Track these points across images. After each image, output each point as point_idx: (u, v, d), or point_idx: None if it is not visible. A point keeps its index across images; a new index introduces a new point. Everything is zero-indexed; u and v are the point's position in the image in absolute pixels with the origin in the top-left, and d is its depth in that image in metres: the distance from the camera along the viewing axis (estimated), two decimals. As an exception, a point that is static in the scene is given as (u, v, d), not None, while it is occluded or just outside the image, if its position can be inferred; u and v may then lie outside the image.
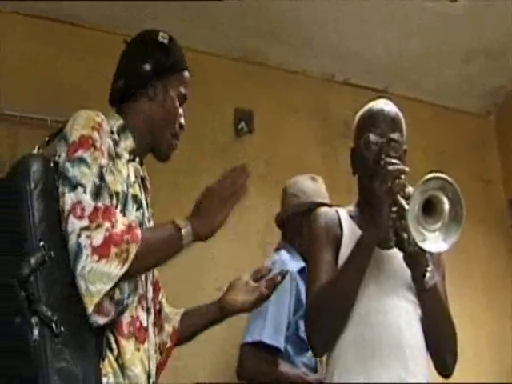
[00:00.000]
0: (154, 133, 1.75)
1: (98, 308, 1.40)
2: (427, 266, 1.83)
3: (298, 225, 2.74)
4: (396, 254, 1.90)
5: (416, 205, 1.70)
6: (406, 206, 1.71)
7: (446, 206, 1.74)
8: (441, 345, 1.92)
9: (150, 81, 1.74)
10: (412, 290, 1.89)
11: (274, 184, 3.42)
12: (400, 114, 2.02)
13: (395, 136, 1.95)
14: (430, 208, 1.73)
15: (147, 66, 1.74)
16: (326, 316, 1.83)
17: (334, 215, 2.03)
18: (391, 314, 1.84)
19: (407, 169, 1.82)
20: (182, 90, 1.80)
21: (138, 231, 1.48)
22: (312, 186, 2.83)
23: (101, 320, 1.42)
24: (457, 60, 3.88)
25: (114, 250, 1.41)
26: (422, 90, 4.04)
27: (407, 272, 1.86)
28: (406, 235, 1.79)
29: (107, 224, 1.43)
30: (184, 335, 1.92)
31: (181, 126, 1.79)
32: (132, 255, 1.44)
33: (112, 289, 1.43)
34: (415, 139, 3.83)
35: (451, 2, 3.46)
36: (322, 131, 3.70)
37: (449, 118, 4.18)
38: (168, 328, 1.88)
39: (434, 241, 1.72)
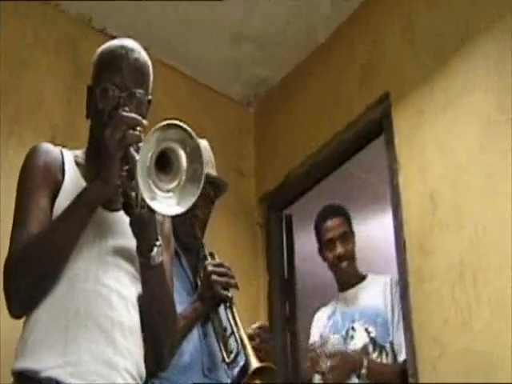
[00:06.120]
0: None
1: None
2: (156, 239, 1.68)
3: None
4: (124, 219, 1.71)
5: (149, 153, 1.51)
6: (137, 156, 1.53)
7: (184, 162, 1.57)
8: (157, 332, 1.79)
9: None
10: (136, 263, 1.75)
11: (8, 119, 3.16)
12: (149, 64, 1.86)
13: (138, 92, 1.79)
14: (164, 164, 1.56)
15: None
16: (32, 271, 1.62)
17: (57, 155, 1.81)
18: (103, 283, 1.68)
19: (145, 122, 1.66)
20: None
21: None
22: None
23: None
24: (225, 40, 3.87)
25: None
26: (184, 61, 3.96)
27: (133, 242, 1.69)
28: (134, 194, 1.61)
29: None
30: None
31: None
32: None
33: None
34: (171, 112, 3.83)
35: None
36: (69, 76, 3.44)
37: (209, 99, 4.15)
38: None
39: (165, 202, 1.55)
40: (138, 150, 1.57)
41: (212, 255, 2.47)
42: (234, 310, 2.31)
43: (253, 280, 3.96)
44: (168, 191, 1.56)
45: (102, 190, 1.65)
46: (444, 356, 2.57)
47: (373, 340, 2.84)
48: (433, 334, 2.65)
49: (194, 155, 1.58)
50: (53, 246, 1.63)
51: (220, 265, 2.35)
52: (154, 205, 1.52)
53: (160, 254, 1.69)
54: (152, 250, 1.67)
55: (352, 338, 2.89)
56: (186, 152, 1.57)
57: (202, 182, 1.59)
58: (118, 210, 1.75)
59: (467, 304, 2.53)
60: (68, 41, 3.53)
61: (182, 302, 2.19)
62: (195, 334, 2.26)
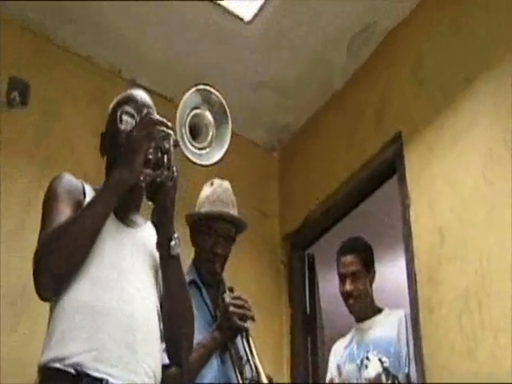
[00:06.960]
0: None
1: None
2: (174, 232, 1.90)
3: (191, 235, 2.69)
4: (140, 234, 1.98)
5: (183, 118, 1.76)
6: (172, 132, 1.78)
7: (212, 122, 1.82)
8: (178, 325, 1.96)
9: None
10: (154, 274, 1.95)
11: (40, 164, 3.39)
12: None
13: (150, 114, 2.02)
14: (196, 133, 1.81)
15: None
16: (59, 253, 1.74)
17: (78, 183, 2.01)
18: (126, 279, 1.84)
19: (171, 124, 1.86)
20: None
21: None
22: (205, 193, 2.66)
23: None
24: (245, 86, 4.05)
25: None
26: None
27: (152, 255, 1.95)
28: (162, 171, 1.84)
29: None
30: None
31: None
32: None
33: None
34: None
35: (246, 24, 3.65)
36: (99, 123, 3.64)
37: (235, 144, 4.32)
38: None
39: (198, 154, 1.80)
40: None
41: (231, 289, 2.60)
42: (250, 339, 2.45)
43: (276, 316, 4.10)
44: (200, 149, 1.81)
45: (127, 176, 1.81)
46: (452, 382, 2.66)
47: (386, 370, 2.92)
48: (442, 360, 2.75)
49: (220, 112, 1.85)
50: (82, 227, 1.77)
51: (238, 297, 2.50)
52: (188, 153, 1.76)
53: (178, 246, 1.90)
54: (171, 240, 1.89)
55: (366, 367, 2.98)
56: (212, 112, 1.83)
57: (229, 135, 1.84)
58: (134, 227, 2.00)
59: (473, 331, 2.63)
60: (98, 91, 3.74)
61: (201, 331, 2.33)
62: (214, 361, 2.40)
